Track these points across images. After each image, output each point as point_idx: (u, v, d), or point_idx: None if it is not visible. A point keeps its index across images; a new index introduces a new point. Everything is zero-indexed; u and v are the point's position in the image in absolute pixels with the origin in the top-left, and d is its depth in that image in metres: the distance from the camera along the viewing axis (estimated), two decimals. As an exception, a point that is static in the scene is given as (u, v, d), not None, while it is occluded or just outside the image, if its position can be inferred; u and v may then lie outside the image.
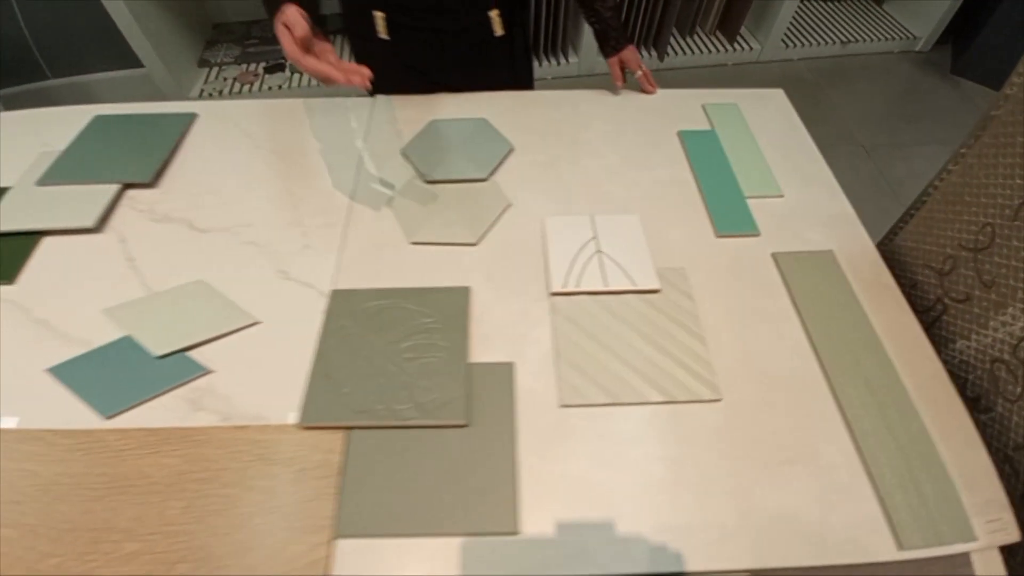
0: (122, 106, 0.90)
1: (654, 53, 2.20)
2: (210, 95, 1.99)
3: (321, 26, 0.65)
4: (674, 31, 2.22)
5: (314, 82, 2.03)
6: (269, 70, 2.05)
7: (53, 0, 1.80)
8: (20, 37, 1.89)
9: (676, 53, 2.20)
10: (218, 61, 2.07)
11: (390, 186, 0.74)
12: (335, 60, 0.63)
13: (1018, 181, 0.56)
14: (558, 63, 2.02)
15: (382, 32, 0.82)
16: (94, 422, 0.56)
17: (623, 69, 0.89)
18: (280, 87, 2.01)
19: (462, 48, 0.86)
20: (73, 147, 0.81)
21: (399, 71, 0.86)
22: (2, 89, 1.98)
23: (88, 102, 2.23)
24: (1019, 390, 0.53)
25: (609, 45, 0.87)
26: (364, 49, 0.87)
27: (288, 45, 0.61)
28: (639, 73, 0.89)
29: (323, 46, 0.64)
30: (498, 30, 0.85)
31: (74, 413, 0.57)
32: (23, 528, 0.51)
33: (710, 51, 2.22)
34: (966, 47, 2.23)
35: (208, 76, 2.04)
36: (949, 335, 0.63)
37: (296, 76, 2.04)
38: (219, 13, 2.19)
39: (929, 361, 0.60)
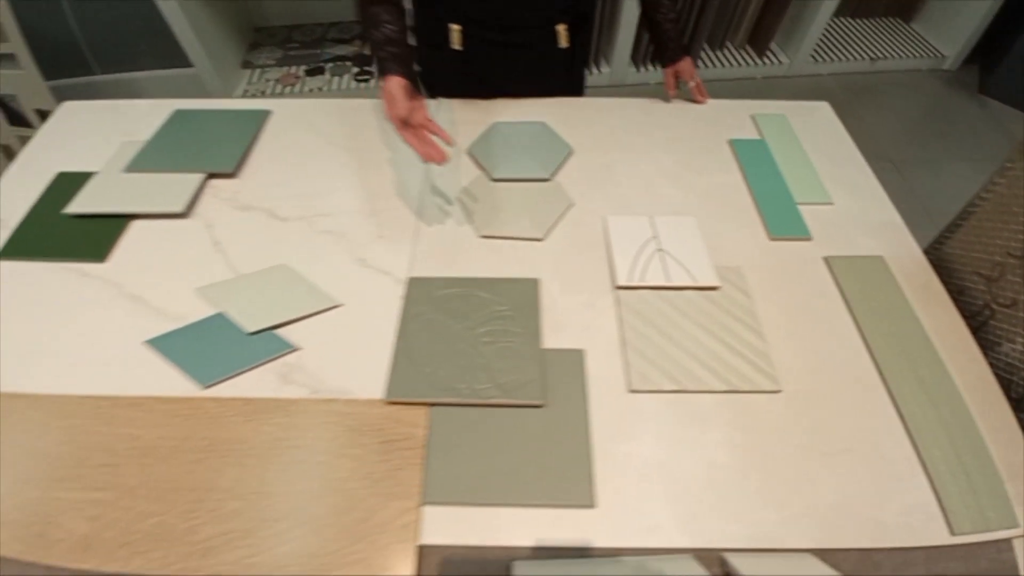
0: (198, 101, 0.95)
1: (684, 65, 2.24)
2: (253, 95, 2.06)
3: (415, 83, 0.73)
4: (705, 45, 2.26)
5: (352, 85, 2.10)
6: (309, 72, 2.12)
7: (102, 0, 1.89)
8: (68, 33, 1.97)
9: (707, 66, 2.25)
10: (260, 63, 2.14)
11: (447, 200, 0.78)
12: (423, 120, 0.72)
13: None
14: (590, 72, 2.07)
15: (456, 43, 0.87)
16: (190, 391, 0.61)
17: (676, 79, 0.93)
18: (320, 89, 2.07)
19: (528, 59, 0.90)
20: (157, 138, 0.86)
21: (466, 79, 0.90)
22: (50, 81, 2.07)
23: (135, 98, 2.31)
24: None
25: (667, 56, 0.91)
26: (435, 57, 0.92)
27: (389, 111, 0.70)
28: (692, 84, 0.92)
29: (417, 104, 0.71)
30: (563, 43, 0.89)
31: (169, 382, 0.61)
32: (120, 489, 0.55)
33: (740, 64, 2.26)
34: (994, 67, 2.25)
35: (251, 77, 2.11)
36: (996, 339, 0.66)
37: (336, 79, 2.10)
38: (261, 17, 2.26)
39: (976, 363, 0.63)
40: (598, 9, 1.94)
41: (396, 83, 0.69)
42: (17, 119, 1.83)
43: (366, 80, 2.11)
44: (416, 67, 0.84)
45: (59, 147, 0.88)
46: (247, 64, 2.15)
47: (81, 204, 0.77)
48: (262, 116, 0.90)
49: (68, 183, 0.81)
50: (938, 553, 0.52)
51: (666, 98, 0.96)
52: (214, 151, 0.84)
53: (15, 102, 1.78)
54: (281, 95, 2.06)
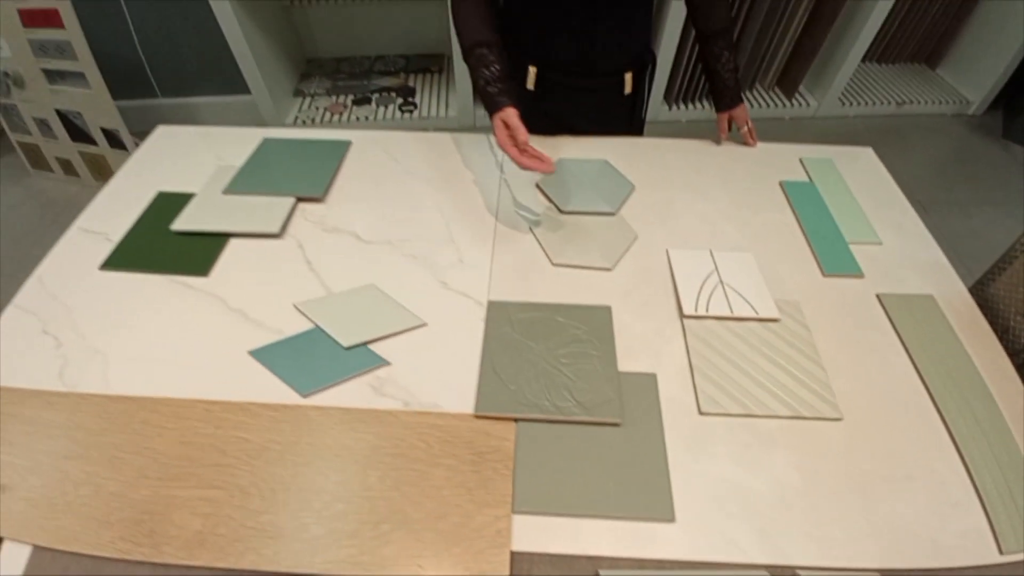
0: (282, 131, 1.03)
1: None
2: (303, 122, 2.17)
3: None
4: (733, 85, 2.35)
5: (397, 115, 2.20)
6: (356, 102, 2.23)
7: (168, 26, 2.02)
8: (135, 57, 2.11)
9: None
10: (311, 92, 2.26)
11: (534, 213, 0.85)
12: (524, 143, 0.78)
13: None
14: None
15: (530, 84, 0.96)
16: (292, 399, 0.66)
17: (729, 124, 1.00)
18: (367, 118, 2.18)
19: (594, 101, 0.98)
20: (250, 163, 0.94)
21: (536, 116, 0.97)
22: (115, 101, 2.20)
23: (193, 122, 2.44)
24: None
25: (723, 103, 0.98)
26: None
27: (503, 138, 0.78)
28: (744, 128, 0.99)
29: (524, 133, 0.79)
30: (627, 89, 0.97)
31: (272, 390, 0.66)
32: (232, 488, 0.60)
33: (769, 105, 2.34)
34: (1017, 113, 2.31)
35: (301, 105, 2.22)
36: (1042, 376, 0.70)
37: (381, 109, 2.21)
38: (313, 49, 2.40)
39: (1021, 396, 0.67)
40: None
41: (514, 113, 0.78)
42: (79, 135, 1.94)
43: (410, 111, 2.21)
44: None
45: (156, 168, 0.96)
46: (298, 92, 2.27)
47: (186, 222, 0.84)
48: (344, 146, 0.98)
49: (168, 202, 0.88)
50: (989, 571, 0.55)
51: (717, 140, 1.02)
52: (303, 177, 0.91)
53: (80, 119, 1.89)
54: (329, 123, 2.17)
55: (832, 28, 2.10)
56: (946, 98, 2.43)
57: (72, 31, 1.68)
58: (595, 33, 0.90)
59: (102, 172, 2.02)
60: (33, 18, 1.71)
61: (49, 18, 1.69)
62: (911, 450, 0.62)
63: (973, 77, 2.43)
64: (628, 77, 0.96)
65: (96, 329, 0.72)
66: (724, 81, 0.96)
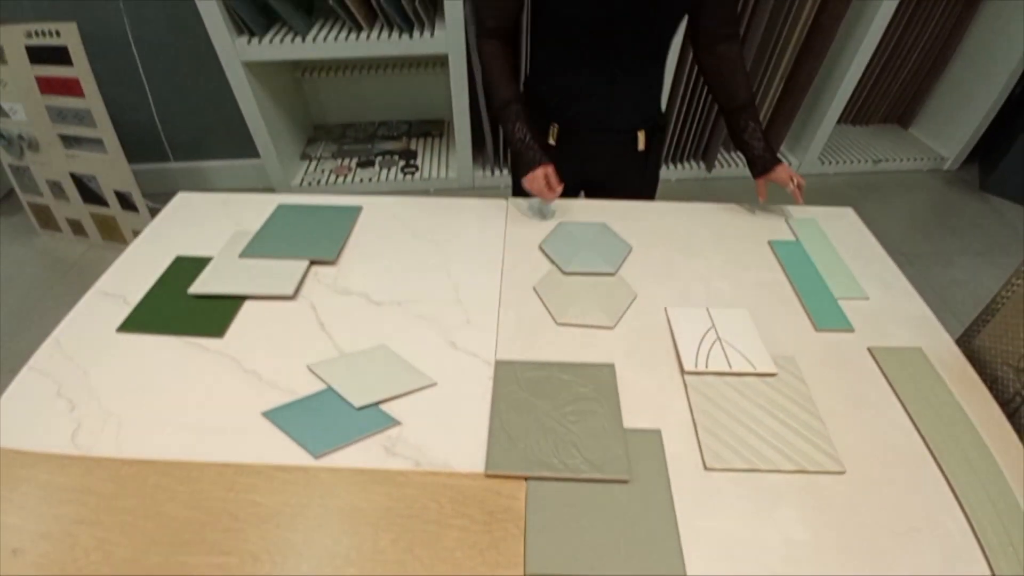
0: (296, 197, 1.08)
1: (703, 165, 2.45)
2: (309, 184, 2.26)
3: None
4: (721, 147, 2.48)
5: (400, 177, 2.29)
6: (361, 165, 2.33)
7: (184, 94, 2.13)
8: (150, 123, 2.21)
9: (722, 165, 2.45)
10: (317, 155, 2.36)
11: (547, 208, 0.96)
12: (557, 191, 0.98)
13: None
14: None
15: (552, 139, 1.06)
16: (304, 460, 0.67)
17: (766, 186, 1.03)
18: (370, 180, 2.27)
19: (610, 156, 1.09)
20: (265, 228, 0.98)
21: (557, 169, 1.05)
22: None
23: (203, 185, 2.53)
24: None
25: (757, 169, 1.02)
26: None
27: (540, 187, 0.97)
28: (790, 187, 1.00)
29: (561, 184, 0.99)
30: (641, 146, 1.07)
31: (284, 451, 0.68)
32: (244, 554, 0.60)
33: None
34: (993, 166, 2.43)
35: (308, 167, 2.32)
36: (1034, 425, 0.72)
37: (384, 171, 2.31)
38: (320, 115, 2.53)
39: (1014, 447, 0.69)
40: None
41: (552, 168, 0.98)
42: (92, 197, 2.00)
43: (412, 172, 2.31)
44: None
45: (175, 233, 1.00)
46: (305, 156, 2.37)
47: (203, 285, 0.87)
48: (356, 211, 1.03)
49: (186, 266, 0.92)
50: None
51: (711, 203, 1.09)
52: (316, 241, 0.95)
53: (94, 182, 1.95)
54: (334, 185, 2.26)
55: (808, 92, 2.24)
56: (921, 155, 2.57)
57: (92, 100, 1.75)
58: (611, 96, 0.99)
59: (111, 233, 2.07)
60: (51, 86, 1.76)
61: (69, 87, 1.75)
62: (913, 502, 0.63)
63: (946, 135, 2.58)
64: (641, 135, 1.05)
65: (110, 392, 0.74)
66: (753, 150, 1.01)
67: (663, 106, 1.08)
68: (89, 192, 1.99)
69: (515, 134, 0.98)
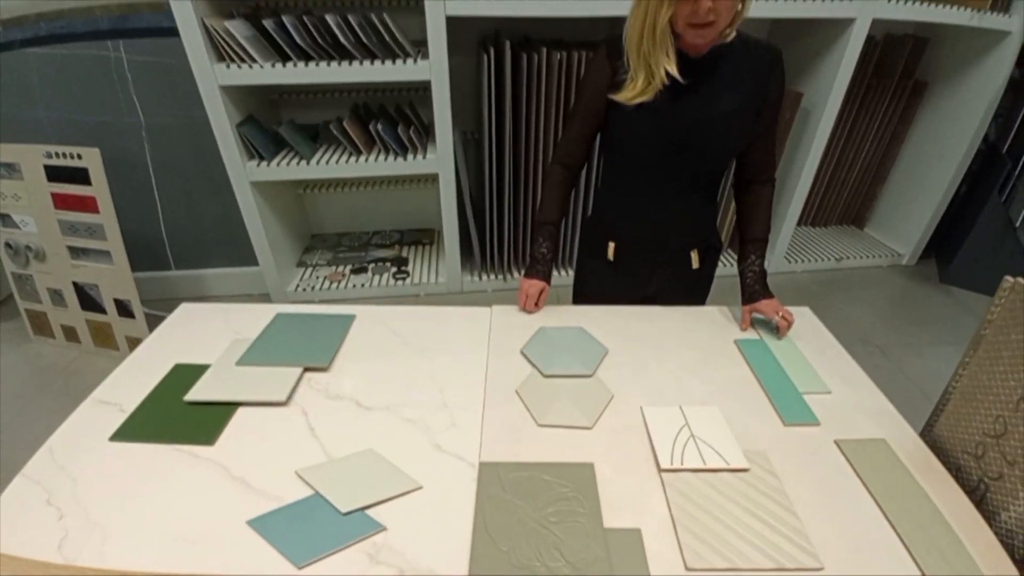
0: (295, 307, 1.15)
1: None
2: (303, 290, 2.35)
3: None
4: (692, 247, 2.66)
5: (391, 282, 2.40)
6: (354, 271, 2.45)
7: (191, 207, 2.28)
8: (157, 235, 2.34)
9: (696, 264, 2.61)
10: (313, 263, 2.49)
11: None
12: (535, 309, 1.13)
13: (1011, 382, 0.74)
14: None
15: (610, 255, 1.16)
16: (288, 570, 0.67)
17: (751, 316, 1.12)
18: (363, 285, 2.38)
19: (665, 274, 1.17)
20: (262, 337, 1.04)
21: (615, 284, 1.15)
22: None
23: (202, 292, 2.60)
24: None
25: (744, 297, 1.11)
26: (591, 265, 1.21)
27: (526, 299, 1.13)
28: (775, 319, 1.07)
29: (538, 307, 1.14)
30: (695, 264, 1.16)
31: (267, 561, 0.68)
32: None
33: (725, 265, 2.62)
34: (950, 260, 2.61)
35: (303, 274, 2.43)
36: (995, 509, 0.75)
37: (377, 277, 2.43)
38: (318, 225, 2.69)
39: (983, 532, 0.71)
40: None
41: (547, 288, 1.14)
42: (91, 305, 2.05)
43: (403, 278, 2.43)
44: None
45: (175, 342, 1.06)
46: (301, 263, 2.49)
47: (198, 392, 0.91)
48: (349, 320, 1.10)
49: (184, 373, 0.96)
50: None
51: (682, 308, 1.17)
52: (310, 349, 1.01)
53: (95, 290, 2.02)
54: (328, 290, 2.36)
55: (768, 201, 2.47)
56: (879, 252, 2.76)
57: (106, 216, 1.86)
58: (666, 220, 1.09)
59: (105, 340, 2.11)
60: (67, 202, 1.87)
61: (84, 203, 1.86)
62: (892, 598, 0.64)
63: (899, 233, 2.80)
64: (695, 254, 1.15)
65: (98, 501, 0.74)
66: (745, 280, 1.11)
67: (717, 228, 1.20)
68: (88, 300, 2.05)
69: (540, 248, 1.14)
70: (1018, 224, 2.33)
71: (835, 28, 2.09)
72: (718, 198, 1.18)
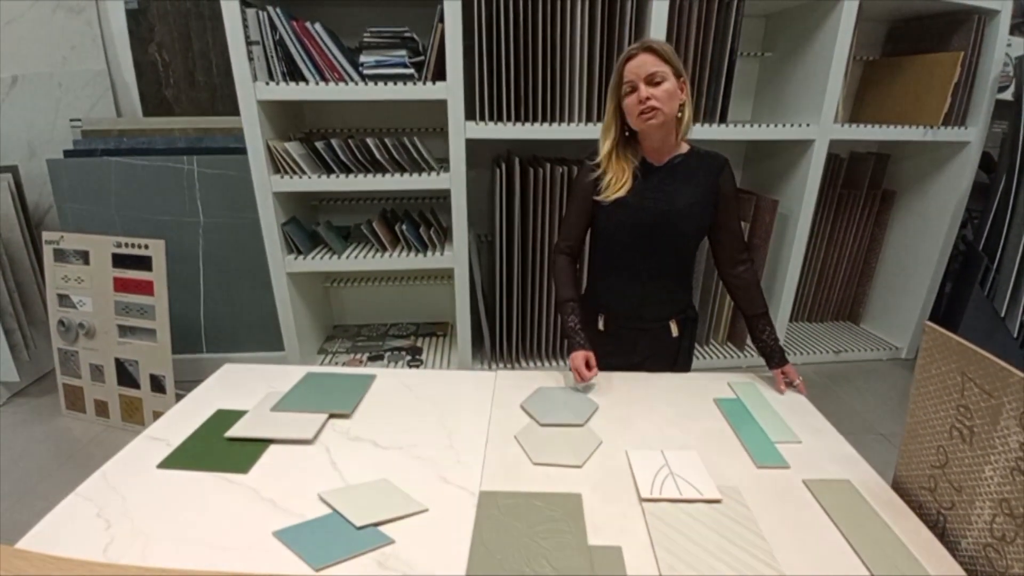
0: (324, 367, 1.31)
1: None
2: (324, 373, 2.50)
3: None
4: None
5: (405, 369, 2.55)
6: (371, 359, 2.60)
7: (231, 295, 2.51)
8: (196, 320, 2.55)
9: (699, 358, 2.72)
10: (333, 350, 2.66)
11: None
12: (590, 366, 1.20)
13: (942, 413, 0.86)
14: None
15: (601, 326, 1.34)
16: (306, 571, 0.76)
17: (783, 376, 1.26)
18: (379, 369, 2.52)
19: (648, 341, 1.33)
20: (295, 390, 1.19)
21: (605, 349, 1.28)
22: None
23: (231, 374, 2.64)
24: (1006, 563, 0.69)
25: (773, 362, 1.27)
26: (587, 333, 1.31)
27: (582, 368, 1.19)
28: (797, 382, 1.24)
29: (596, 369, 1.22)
30: (675, 333, 1.33)
31: (290, 565, 0.77)
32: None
33: (725, 357, 2.73)
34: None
35: (323, 360, 2.59)
36: (955, 538, 0.81)
37: (392, 364, 2.58)
38: (340, 317, 2.91)
39: (947, 562, 0.77)
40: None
41: (587, 355, 1.21)
42: (127, 380, 2.19)
43: (417, 365, 2.57)
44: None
45: (218, 393, 1.20)
46: (322, 350, 2.67)
47: (237, 430, 1.04)
48: (370, 378, 1.25)
49: (224, 417, 1.10)
50: None
51: (663, 374, 1.30)
52: (335, 399, 1.15)
53: (134, 367, 2.18)
54: (346, 373, 2.49)
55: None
56: (877, 347, 2.85)
57: (159, 297, 2.08)
58: (644, 295, 1.28)
59: (133, 414, 2.23)
60: (126, 285, 2.11)
61: (142, 287, 2.10)
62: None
63: (894, 328, 2.90)
64: (673, 324, 1.32)
65: (144, 515, 0.85)
66: (770, 348, 1.27)
67: (695, 300, 1.39)
68: (126, 375, 2.20)
69: (568, 323, 1.27)
70: (1003, 315, 2.44)
71: (799, 147, 2.41)
72: (691, 280, 1.38)
